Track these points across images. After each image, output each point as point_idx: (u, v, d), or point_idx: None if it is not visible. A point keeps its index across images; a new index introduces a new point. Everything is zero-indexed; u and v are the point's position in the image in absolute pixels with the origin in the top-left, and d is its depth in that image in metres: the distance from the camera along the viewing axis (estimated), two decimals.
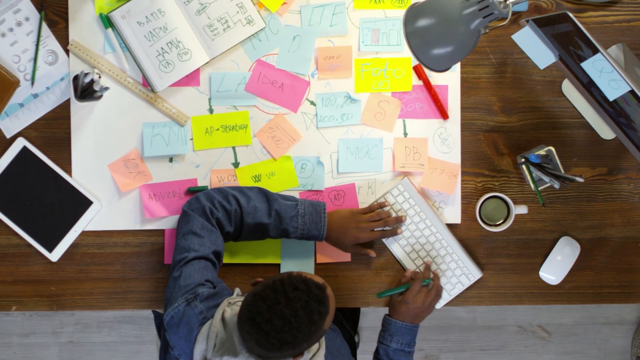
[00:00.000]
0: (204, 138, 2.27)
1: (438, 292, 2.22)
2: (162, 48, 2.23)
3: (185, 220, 2.11)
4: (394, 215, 2.24)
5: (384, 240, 2.28)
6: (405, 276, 2.23)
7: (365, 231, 2.17)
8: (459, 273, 2.28)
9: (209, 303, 1.98)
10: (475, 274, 2.29)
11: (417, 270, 2.26)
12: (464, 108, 2.29)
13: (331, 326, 2.15)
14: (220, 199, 2.11)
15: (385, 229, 2.21)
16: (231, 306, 1.95)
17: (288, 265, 2.28)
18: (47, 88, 2.26)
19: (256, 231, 2.13)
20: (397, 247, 2.28)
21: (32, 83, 2.25)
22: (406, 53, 2.27)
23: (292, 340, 1.78)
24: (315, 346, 1.93)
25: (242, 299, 1.99)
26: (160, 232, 2.28)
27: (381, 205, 2.22)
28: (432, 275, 2.25)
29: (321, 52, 2.26)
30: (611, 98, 1.93)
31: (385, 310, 3.15)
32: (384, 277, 2.30)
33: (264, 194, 2.14)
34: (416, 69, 2.27)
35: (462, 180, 2.29)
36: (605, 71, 1.92)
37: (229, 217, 2.11)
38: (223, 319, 1.93)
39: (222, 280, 2.12)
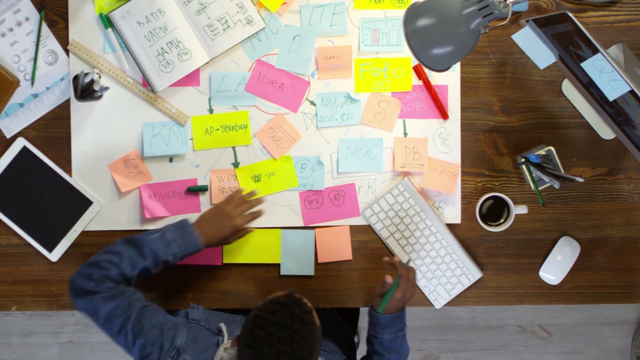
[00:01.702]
0: (204, 138, 2.27)
1: (412, 271, 2.21)
2: (162, 48, 2.23)
3: (91, 309, 2.05)
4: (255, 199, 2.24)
5: (383, 240, 2.28)
6: (385, 282, 2.18)
7: (239, 217, 2.17)
8: (459, 273, 2.28)
9: (193, 346, 2.00)
10: (475, 274, 2.29)
11: (397, 267, 2.23)
12: (464, 108, 2.29)
13: (327, 348, 2.16)
14: (99, 272, 2.06)
15: (253, 210, 2.22)
16: (227, 350, 1.97)
17: (288, 265, 2.28)
18: (47, 88, 2.26)
19: (143, 275, 2.11)
20: (397, 247, 2.28)
21: (32, 83, 2.25)
22: (406, 53, 2.27)
23: (305, 353, 1.80)
24: None
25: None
26: None
27: (238, 192, 2.22)
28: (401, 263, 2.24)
29: (321, 52, 2.26)
30: (611, 98, 1.93)
31: None
32: (383, 276, 2.29)
33: (129, 241, 2.11)
34: (416, 69, 2.27)
35: (462, 180, 2.29)
36: (605, 71, 1.92)
37: (116, 279, 2.08)
38: None
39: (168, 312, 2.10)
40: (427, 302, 2.31)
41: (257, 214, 2.21)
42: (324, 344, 2.14)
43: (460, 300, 2.31)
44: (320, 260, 2.28)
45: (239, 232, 2.20)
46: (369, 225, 2.29)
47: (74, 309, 2.10)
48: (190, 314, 2.06)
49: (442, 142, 2.28)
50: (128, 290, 2.05)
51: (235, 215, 2.17)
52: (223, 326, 2.05)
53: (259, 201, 2.22)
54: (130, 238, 2.10)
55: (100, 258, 2.07)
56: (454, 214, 2.30)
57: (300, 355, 1.79)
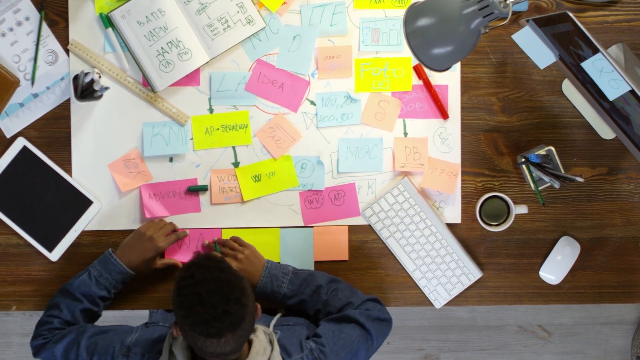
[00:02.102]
0: (204, 138, 2.27)
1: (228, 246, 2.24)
2: (162, 48, 2.23)
3: (50, 356, 2.12)
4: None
5: (383, 240, 2.28)
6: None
7: (161, 238, 2.21)
8: (459, 273, 2.28)
9: (144, 342, 2.02)
10: (475, 273, 2.29)
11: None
12: (464, 108, 2.29)
13: (292, 322, 2.15)
14: (45, 327, 2.15)
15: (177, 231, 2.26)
16: (175, 338, 1.98)
17: (288, 263, 2.28)
18: (47, 88, 2.26)
19: (89, 315, 2.18)
20: (397, 247, 2.28)
21: (32, 83, 2.25)
22: (406, 53, 2.27)
23: (238, 293, 1.82)
24: (268, 348, 1.96)
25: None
26: None
27: (157, 218, 2.25)
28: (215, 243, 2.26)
29: (321, 52, 2.26)
30: (611, 98, 1.93)
31: None
32: (383, 276, 2.30)
33: (63, 290, 2.18)
34: (416, 69, 2.27)
35: (462, 180, 2.29)
36: (605, 71, 1.92)
37: (61, 327, 2.15)
38: (171, 352, 1.97)
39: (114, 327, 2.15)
40: (427, 302, 2.31)
41: (181, 235, 2.25)
42: (288, 319, 2.14)
43: (460, 300, 2.31)
44: (315, 259, 2.28)
45: (166, 261, 2.24)
46: (369, 225, 2.29)
47: None
48: (149, 318, 2.10)
49: (442, 142, 2.28)
50: (77, 327, 2.12)
51: (156, 237, 2.21)
52: None
53: (179, 230, 2.27)
54: (64, 287, 2.18)
55: (43, 316, 2.18)
56: (454, 214, 2.30)
57: (235, 296, 1.81)
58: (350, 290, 2.17)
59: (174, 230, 2.25)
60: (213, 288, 1.81)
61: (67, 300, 2.16)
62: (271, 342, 1.98)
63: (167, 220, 2.27)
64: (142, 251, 2.19)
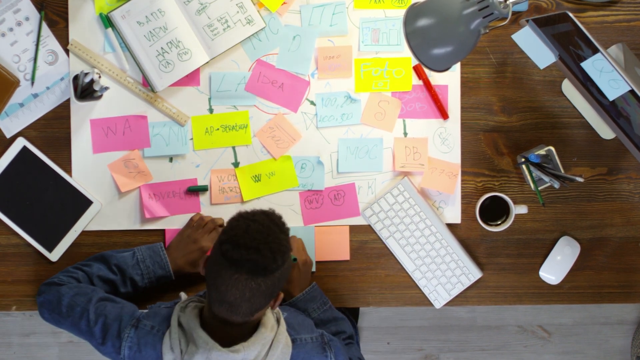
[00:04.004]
0: (204, 138, 2.27)
1: (296, 240, 2.24)
2: (162, 48, 2.23)
3: (55, 300, 2.11)
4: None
5: (383, 240, 2.28)
6: None
7: (204, 238, 2.22)
8: (459, 273, 2.28)
9: (153, 317, 2.02)
10: (475, 273, 2.29)
11: None
12: (464, 108, 2.29)
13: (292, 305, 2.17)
14: (66, 274, 2.16)
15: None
16: (184, 310, 1.98)
17: None
18: (47, 88, 2.26)
19: (110, 289, 2.17)
20: (397, 247, 2.28)
21: (32, 83, 2.25)
22: (406, 53, 2.27)
23: (276, 247, 1.83)
24: (275, 325, 1.96)
25: (194, 299, 2.01)
26: (160, 232, 2.28)
27: (197, 215, 2.26)
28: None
29: (321, 52, 2.26)
30: (611, 98, 1.94)
31: (384, 310, 3.14)
32: (383, 276, 2.30)
33: (101, 255, 2.19)
34: (416, 69, 2.27)
35: (462, 180, 2.29)
36: (605, 71, 1.92)
37: (82, 280, 2.15)
38: (180, 324, 1.96)
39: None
40: (427, 302, 2.31)
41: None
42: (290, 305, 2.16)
43: (460, 300, 2.31)
44: (317, 259, 2.28)
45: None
46: (369, 225, 2.29)
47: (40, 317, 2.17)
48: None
49: (442, 142, 2.28)
50: (92, 287, 2.12)
51: (198, 237, 2.21)
52: (182, 294, 2.07)
53: (221, 220, 2.26)
54: (101, 254, 2.19)
55: (69, 267, 2.18)
56: (454, 214, 2.30)
57: (272, 247, 1.81)
58: (358, 351, 2.20)
59: (221, 225, 2.25)
60: (262, 229, 1.82)
61: (102, 266, 2.16)
62: (278, 320, 1.99)
63: (168, 220, 2.27)
64: (186, 253, 2.21)
